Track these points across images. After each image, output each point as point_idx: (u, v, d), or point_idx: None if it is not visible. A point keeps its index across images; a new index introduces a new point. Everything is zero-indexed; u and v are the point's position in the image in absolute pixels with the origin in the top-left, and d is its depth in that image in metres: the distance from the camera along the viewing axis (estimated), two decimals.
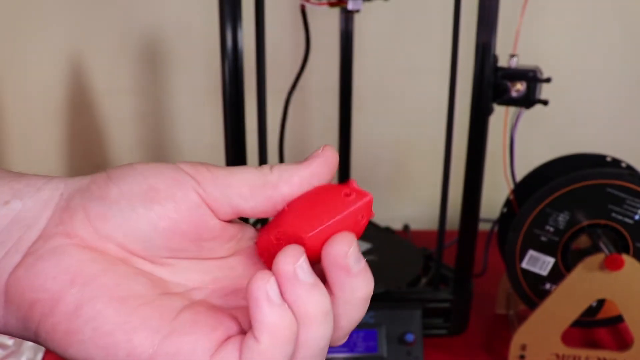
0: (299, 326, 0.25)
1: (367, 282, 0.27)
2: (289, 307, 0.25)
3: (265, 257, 0.28)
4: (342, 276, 0.26)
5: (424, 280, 0.77)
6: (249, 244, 0.30)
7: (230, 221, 0.29)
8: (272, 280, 0.25)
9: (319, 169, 0.28)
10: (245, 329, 0.26)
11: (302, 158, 0.28)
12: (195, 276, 0.28)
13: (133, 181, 0.27)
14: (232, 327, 0.26)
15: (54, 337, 0.25)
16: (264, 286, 0.24)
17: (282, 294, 0.25)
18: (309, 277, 0.25)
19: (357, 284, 0.26)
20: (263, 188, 0.27)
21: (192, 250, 0.28)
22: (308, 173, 0.28)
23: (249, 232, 0.30)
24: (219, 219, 0.28)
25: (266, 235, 0.28)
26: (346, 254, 0.26)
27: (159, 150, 1.06)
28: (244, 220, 0.32)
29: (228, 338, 0.26)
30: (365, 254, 0.91)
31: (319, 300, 0.25)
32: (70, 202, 0.27)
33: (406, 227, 0.97)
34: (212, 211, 0.27)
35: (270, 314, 0.24)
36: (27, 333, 0.26)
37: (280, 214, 0.28)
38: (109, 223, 0.26)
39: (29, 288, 0.25)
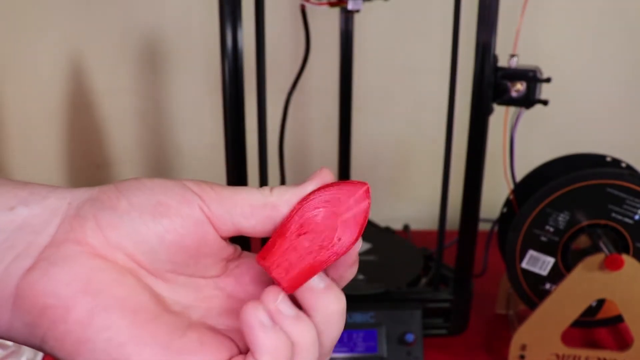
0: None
1: (338, 297, 0.28)
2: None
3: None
4: (311, 297, 0.28)
5: (424, 280, 0.77)
6: (238, 267, 0.31)
7: (228, 243, 0.30)
8: (261, 307, 0.26)
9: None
10: (241, 349, 0.28)
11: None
12: (189, 293, 0.29)
13: (142, 195, 0.28)
14: (233, 349, 0.28)
15: (63, 344, 0.25)
16: (254, 313, 0.26)
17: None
18: (290, 311, 0.27)
19: (328, 301, 0.28)
20: (264, 208, 0.29)
21: (191, 266, 0.29)
22: (305, 191, 0.29)
23: (239, 253, 0.32)
24: (220, 236, 0.29)
25: (282, 243, 0.28)
26: None
27: (159, 150, 1.06)
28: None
29: (231, 358, 0.27)
30: (365, 254, 0.90)
31: (304, 329, 0.27)
32: (80, 210, 0.27)
33: (406, 227, 0.97)
34: (215, 228, 0.28)
35: (266, 338, 0.26)
36: (32, 339, 0.26)
37: (291, 218, 0.29)
38: (120, 232, 0.27)
39: (42, 293, 0.25)
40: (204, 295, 0.30)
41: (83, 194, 0.28)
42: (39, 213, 0.27)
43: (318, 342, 0.28)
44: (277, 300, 0.27)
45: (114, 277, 0.26)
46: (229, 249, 0.30)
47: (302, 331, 0.27)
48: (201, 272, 0.30)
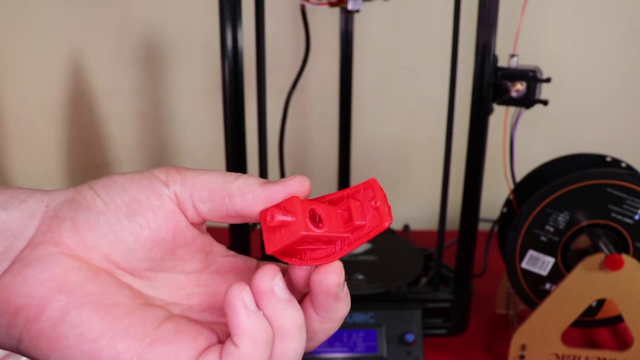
0: (275, 339, 0.26)
1: (348, 304, 0.28)
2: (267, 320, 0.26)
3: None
4: (331, 302, 0.28)
5: (424, 280, 0.77)
6: (218, 261, 0.31)
7: (202, 232, 0.30)
8: (247, 289, 0.26)
9: (276, 195, 0.28)
10: (223, 340, 0.27)
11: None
12: (171, 291, 0.29)
13: (115, 194, 0.28)
14: (212, 338, 0.27)
15: (38, 343, 0.25)
16: (240, 294, 0.25)
17: (259, 307, 0.26)
18: (284, 294, 0.27)
19: (340, 307, 0.28)
20: (220, 193, 0.28)
21: (169, 260, 0.29)
22: (264, 196, 0.28)
23: (218, 248, 0.31)
24: (190, 223, 0.29)
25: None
26: (338, 283, 0.27)
27: (159, 150, 1.06)
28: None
29: (208, 347, 0.26)
30: (365, 254, 0.90)
31: (294, 315, 0.27)
32: (58, 212, 0.27)
33: (406, 227, 0.97)
34: (184, 214, 0.28)
35: (247, 320, 0.25)
36: (9, 341, 0.26)
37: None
38: (96, 233, 0.27)
39: (16, 294, 0.26)
40: (186, 293, 0.29)
41: (60, 195, 0.28)
42: (17, 217, 0.27)
43: (306, 334, 0.27)
44: (273, 279, 0.26)
45: (88, 276, 0.26)
46: (204, 239, 0.30)
47: (291, 316, 0.26)
48: (180, 267, 0.29)
